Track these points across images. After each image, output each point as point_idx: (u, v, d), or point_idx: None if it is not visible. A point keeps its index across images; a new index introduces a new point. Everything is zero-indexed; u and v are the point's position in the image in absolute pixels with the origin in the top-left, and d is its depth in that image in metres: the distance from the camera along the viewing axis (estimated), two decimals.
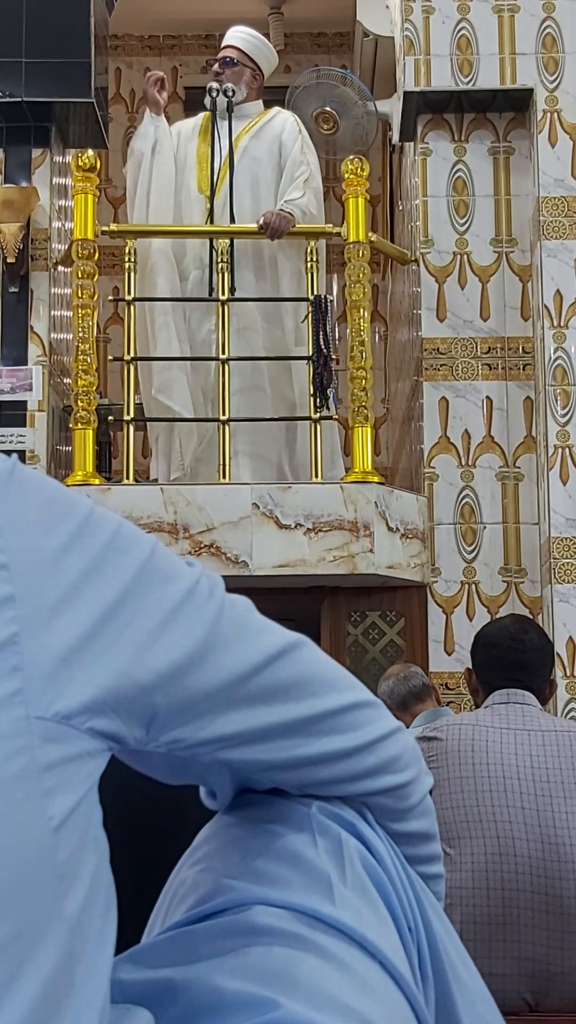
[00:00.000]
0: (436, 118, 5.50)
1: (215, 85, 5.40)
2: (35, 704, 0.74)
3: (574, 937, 2.31)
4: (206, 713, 0.84)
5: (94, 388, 5.08)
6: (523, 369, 5.31)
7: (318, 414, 4.99)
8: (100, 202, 5.43)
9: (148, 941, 0.93)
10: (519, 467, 5.25)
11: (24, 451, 5.24)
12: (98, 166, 5.23)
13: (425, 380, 5.34)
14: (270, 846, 0.93)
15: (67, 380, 5.48)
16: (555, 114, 5.32)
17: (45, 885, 0.73)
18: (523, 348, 5.31)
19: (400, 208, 6.56)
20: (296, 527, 4.82)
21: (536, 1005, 2.32)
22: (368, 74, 6.33)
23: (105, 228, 5.32)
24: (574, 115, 5.32)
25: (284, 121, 5.45)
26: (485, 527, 5.21)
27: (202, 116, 5.55)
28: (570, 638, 4.90)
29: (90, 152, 5.21)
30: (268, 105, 5.60)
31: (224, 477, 4.95)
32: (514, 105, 5.43)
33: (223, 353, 5.05)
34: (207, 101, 5.42)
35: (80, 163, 5.13)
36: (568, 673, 4.89)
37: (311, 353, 5.01)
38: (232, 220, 5.26)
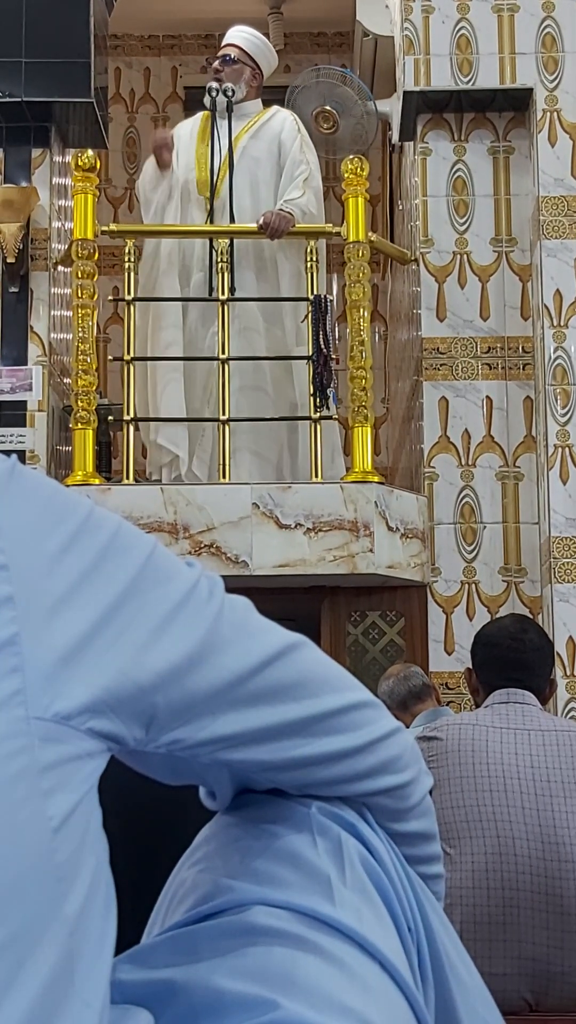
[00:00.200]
0: (436, 118, 5.50)
1: (215, 85, 5.40)
2: (35, 704, 0.74)
3: (574, 937, 2.31)
4: (206, 714, 0.84)
5: (94, 388, 5.08)
6: (523, 369, 5.31)
7: (318, 414, 4.99)
8: (100, 202, 5.44)
9: (148, 941, 0.93)
10: (519, 467, 5.25)
11: (24, 451, 5.24)
12: (98, 166, 5.23)
13: (425, 380, 5.34)
14: (270, 846, 0.92)
15: (67, 380, 5.48)
16: (555, 114, 5.32)
17: (44, 886, 0.73)
18: (523, 348, 5.31)
19: (400, 208, 6.56)
20: (296, 527, 4.82)
21: (536, 1005, 2.32)
22: (368, 74, 6.33)
23: (105, 228, 5.32)
24: (574, 115, 5.32)
25: (283, 120, 5.45)
26: (485, 527, 5.21)
27: (200, 116, 5.55)
28: (570, 638, 4.90)
29: (90, 152, 5.21)
30: (267, 104, 5.60)
31: (224, 477, 4.95)
32: (514, 105, 5.43)
33: (223, 353, 5.05)
34: (206, 100, 5.42)
35: (80, 163, 5.13)
36: (568, 673, 4.89)
37: (311, 353, 5.01)
38: (232, 220, 5.26)
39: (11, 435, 5.26)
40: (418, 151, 5.51)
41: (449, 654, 5.09)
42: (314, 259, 5.18)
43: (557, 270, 5.18)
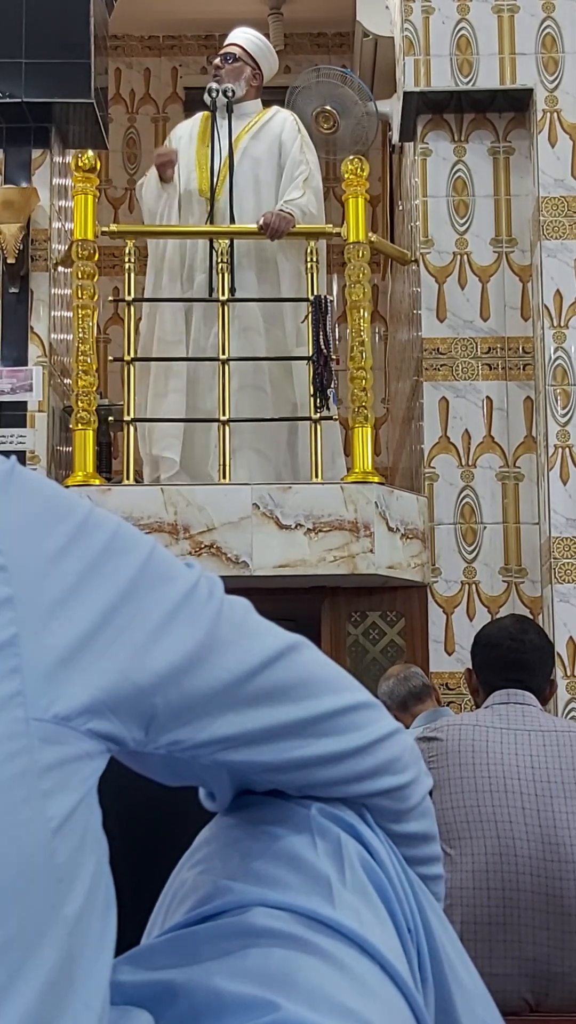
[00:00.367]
0: (436, 118, 5.50)
1: (215, 85, 5.40)
2: (34, 706, 0.74)
3: (574, 937, 2.31)
4: (205, 715, 0.84)
5: (94, 388, 5.08)
6: (523, 369, 5.31)
7: (318, 414, 4.99)
8: (100, 202, 5.44)
9: (148, 943, 0.93)
10: (519, 467, 5.25)
11: (24, 452, 5.24)
12: (98, 167, 5.23)
13: (425, 380, 5.34)
14: (270, 848, 0.92)
15: (67, 381, 5.48)
16: (555, 114, 5.32)
17: (44, 887, 0.72)
18: (523, 348, 5.31)
19: (400, 208, 6.56)
20: (296, 527, 4.82)
21: (536, 1005, 2.32)
22: (368, 74, 6.33)
23: (105, 228, 5.32)
24: (574, 115, 5.32)
25: (283, 120, 5.45)
26: (485, 527, 5.21)
27: (200, 117, 5.55)
28: (570, 638, 4.90)
29: (90, 153, 5.21)
30: (267, 105, 5.60)
31: (224, 477, 4.95)
32: (514, 105, 5.43)
33: (223, 353, 5.05)
34: (206, 99, 5.41)
35: (80, 164, 5.13)
36: (568, 673, 4.89)
37: (311, 353, 5.01)
38: (232, 221, 5.26)
39: (11, 436, 5.26)
40: (418, 152, 5.51)
41: (449, 654, 5.09)
42: (314, 259, 5.18)
43: (557, 270, 5.18)
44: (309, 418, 5.02)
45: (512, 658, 2.59)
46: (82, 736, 0.76)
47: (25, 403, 5.31)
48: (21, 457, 5.11)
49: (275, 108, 5.58)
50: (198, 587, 0.86)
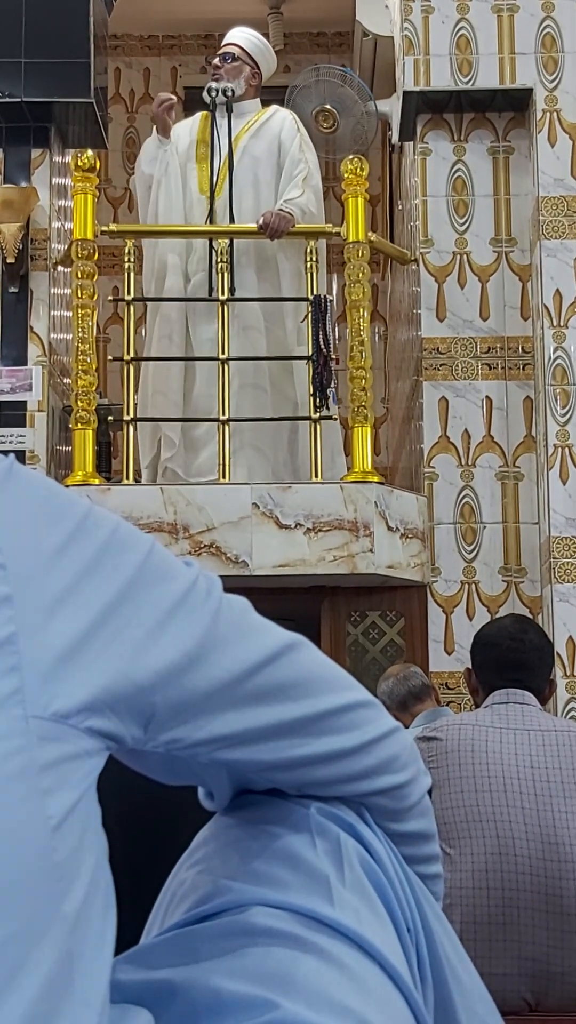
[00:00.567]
0: (435, 118, 5.50)
1: (214, 85, 5.41)
2: (33, 703, 0.74)
3: (574, 937, 2.31)
4: (204, 713, 0.84)
5: (94, 388, 5.08)
6: (523, 369, 5.31)
7: (318, 414, 4.99)
8: (99, 202, 5.44)
9: (147, 942, 0.93)
10: (519, 467, 5.25)
11: (24, 451, 5.24)
12: (97, 166, 5.23)
13: (425, 380, 5.34)
14: (269, 847, 0.92)
15: (67, 380, 5.48)
16: (554, 114, 5.32)
17: (44, 885, 0.72)
18: (523, 348, 5.31)
19: (400, 208, 6.56)
20: (296, 527, 4.82)
21: (536, 1005, 2.32)
22: (367, 74, 6.33)
23: (104, 228, 5.32)
24: (573, 115, 5.32)
25: (283, 120, 5.45)
26: (485, 527, 5.21)
27: (199, 116, 5.55)
28: (570, 638, 4.90)
29: (89, 152, 5.21)
30: (266, 104, 5.60)
31: (224, 477, 4.95)
32: (513, 105, 5.43)
33: (223, 353, 5.05)
34: (206, 99, 5.42)
35: (80, 163, 5.13)
36: (568, 673, 4.89)
37: (311, 353, 5.01)
38: (232, 220, 5.26)
39: (11, 435, 5.26)
40: (418, 151, 5.51)
41: (449, 654, 5.09)
42: (314, 259, 5.18)
43: (557, 270, 5.18)
44: (309, 418, 5.02)
45: (512, 658, 2.59)
46: (81, 734, 0.76)
47: (25, 403, 5.31)
48: (21, 457, 5.11)
49: (274, 107, 5.59)
50: (197, 586, 0.86)
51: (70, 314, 5.30)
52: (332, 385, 5.00)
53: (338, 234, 5.25)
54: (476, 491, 5.24)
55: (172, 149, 5.39)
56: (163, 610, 0.82)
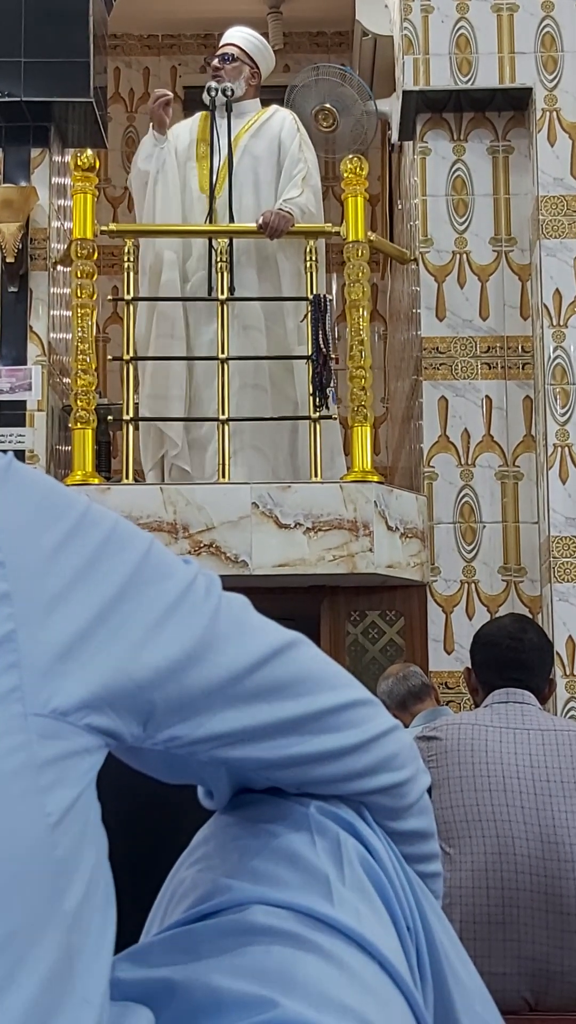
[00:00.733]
0: (435, 117, 5.50)
1: (214, 84, 5.41)
2: (32, 701, 0.74)
3: (574, 936, 2.31)
4: (203, 710, 0.84)
5: (93, 388, 5.08)
6: (522, 368, 5.31)
7: (318, 413, 4.99)
8: (99, 202, 5.44)
9: (147, 940, 0.93)
10: (518, 466, 5.25)
11: (24, 451, 5.24)
12: (97, 166, 5.23)
13: (424, 379, 5.34)
14: (268, 846, 0.92)
15: (66, 380, 5.47)
16: (554, 113, 5.32)
17: (43, 881, 0.72)
18: (522, 347, 5.31)
19: (399, 207, 6.56)
20: (296, 526, 4.82)
21: (536, 1004, 2.32)
22: (367, 73, 6.33)
23: (104, 228, 5.32)
24: (573, 114, 5.32)
25: (283, 119, 5.46)
26: (485, 526, 5.21)
27: (199, 116, 5.55)
28: (570, 637, 4.90)
29: (89, 152, 5.21)
30: (266, 104, 5.60)
31: (224, 477, 4.95)
32: (513, 104, 5.43)
33: (223, 352, 5.05)
34: (206, 99, 5.42)
35: (79, 163, 5.13)
36: (568, 672, 4.89)
37: (310, 352, 5.01)
38: (231, 219, 5.26)
39: (10, 435, 5.26)
40: (417, 151, 5.51)
41: (449, 654, 5.09)
42: (313, 259, 5.18)
43: (556, 269, 5.18)
44: (308, 417, 5.02)
45: (511, 657, 2.59)
46: (80, 731, 0.76)
47: (24, 402, 5.31)
48: (20, 456, 5.11)
49: (274, 107, 5.59)
50: (195, 583, 0.86)
51: (70, 314, 5.30)
52: (332, 385, 5.00)
53: (338, 233, 5.24)
54: (476, 491, 5.24)
55: (169, 147, 5.39)
56: (162, 608, 0.82)
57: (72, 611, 0.77)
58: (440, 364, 5.33)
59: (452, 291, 5.37)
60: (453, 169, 5.46)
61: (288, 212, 5.14)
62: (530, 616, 4.81)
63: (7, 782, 0.71)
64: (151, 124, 5.44)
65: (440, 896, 1.01)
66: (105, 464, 5.62)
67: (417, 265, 5.47)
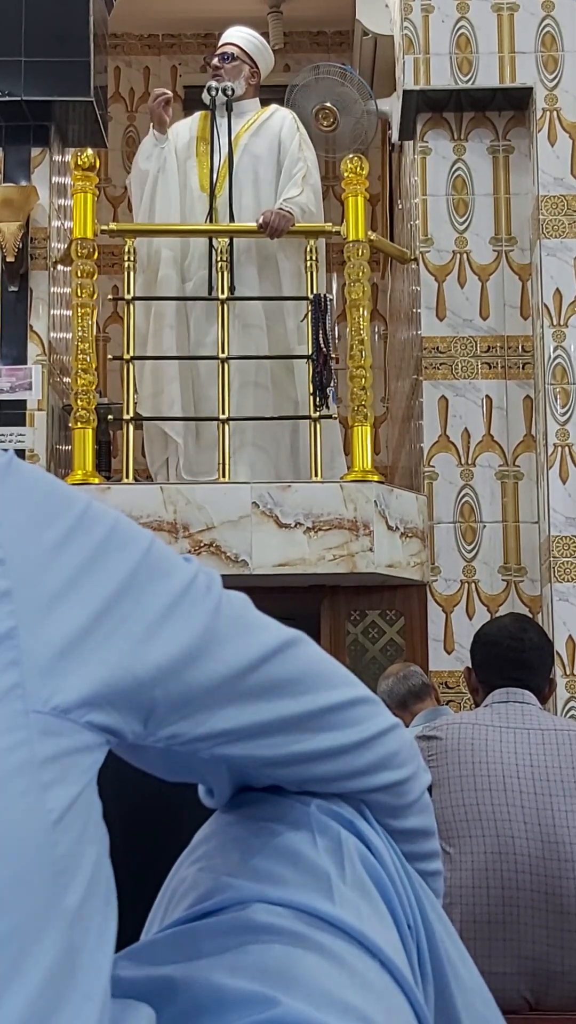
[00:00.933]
0: (435, 117, 5.50)
1: (214, 84, 5.41)
2: (33, 698, 0.73)
3: (574, 936, 2.31)
4: (204, 708, 0.84)
5: (94, 387, 5.08)
6: (523, 368, 5.31)
7: (318, 413, 4.99)
8: (99, 201, 5.44)
9: (148, 939, 0.93)
10: (519, 466, 5.25)
11: (24, 450, 5.24)
12: (97, 165, 5.23)
13: (425, 379, 5.34)
14: (269, 844, 0.92)
15: (67, 379, 5.47)
16: (554, 113, 5.32)
17: (44, 879, 0.72)
18: (523, 347, 5.31)
19: (399, 207, 6.56)
20: (296, 526, 4.82)
21: (536, 1004, 2.32)
22: (367, 73, 6.33)
23: (104, 227, 5.32)
24: (573, 114, 5.32)
25: (283, 119, 5.46)
26: (485, 526, 5.21)
27: (199, 116, 5.55)
28: (570, 637, 4.90)
29: (89, 151, 5.21)
30: (266, 103, 5.60)
31: (224, 476, 4.95)
32: (513, 104, 5.43)
33: (223, 351, 5.05)
34: (206, 98, 5.42)
35: (79, 162, 5.13)
36: (568, 672, 4.89)
37: (311, 352, 5.01)
38: (232, 218, 5.26)
39: (11, 434, 5.26)
40: (418, 150, 5.51)
41: (449, 653, 5.09)
42: (314, 258, 5.18)
43: (557, 269, 5.18)
44: (309, 417, 5.02)
45: (511, 657, 2.59)
46: (81, 728, 0.76)
47: (24, 402, 5.31)
48: (20, 456, 5.08)
49: (274, 106, 5.59)
50: (196, 581, 0.85)
51: (70, 313, 5.30)
52: (332, 384, 5.00)
53: (338, 233, 5.24)
54: (476, 490, 5.23)
55: (170, 146, 5.39)
56: (163, 605, 0.82)
57: (73, 608, 0.77)
58: (440, 364, 5.33)
59: (452, 291, 5.37)
60: (453, 169, 5.46)
61: (288, 211, 5.15)
62: (530, 616, 4.81)
63: (8, 779, 0.71)
64: (151, 123, 5.44)
65: (441, 895, 1.01)
66: (105, 464, 5.62)
67: (417, 265, 5.47)
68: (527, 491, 5.22)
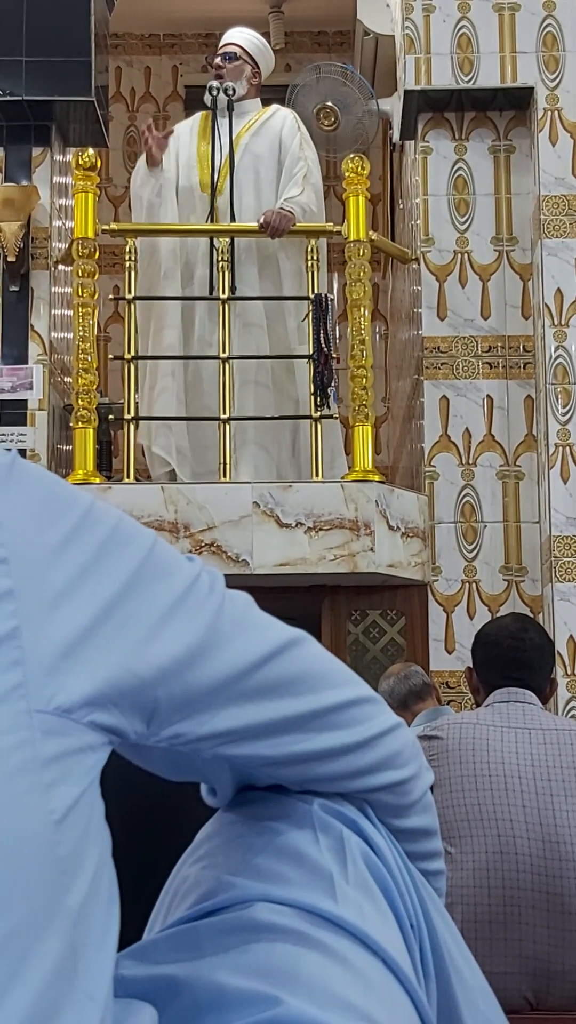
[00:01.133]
0: (437, 116, 5.50)
1: (215, 84, 5.41)
2: (36, 698, 0.73)
3: (575, 935, 2.31)
4: (207, 708, 0.84)
5: (95, 387, 5.08)
6: (524, 368, 5.31)
7: (319, 413, 4.99)
8: (100, 201, 5.43)
9: (150, 938, 0.93)
10: (520, 466, 5.25)
11: (25, 450, 5.24)
12: (98, 165, 5.22)
13: (426, 379, 5.34)
14: (272, 843, 0.92)
15: (68, 379, 5.48)
16: (555, 112, 5.32)
17: (47, 879, 0.72)
18: (524, 347, 5.31)
19: (401, 207, 6.56)
20: (297, 526, 4.82)
21: (537, 1003, 2.32)
22: (368, 73, 6.33)
23: (105, 227, 5.31)
24: (574, 113, 5.32)
25: (284, 119, 5.46)
26: (486, 526, 5.21)
27: (200, 116, 5.55)
28: (571, 636, 4.90)
29: (90, 151, 5.21)
30: (267, 104, 5.60)
31: (225, 476, 4.95)
32: (514, 103, 5.43)
33: (224, 351, 5.05)
34: (207, 99, 5.42)
35: (80, 162, 5.13)
36: (569, 672, 4.89)
37: (312, 352, 5.01)
38: (233, 218, 5.25)
39: (12, 434, 5.26)
40: (419, 150, 5.51)
41: (450, 653, 5.09)
42: (315, 258, 5.18)
43: (558, 269, 5.18)
44: (310, 416, 5.02)
45: (512, 657, 2.59)
46: (84, 728, 0.76)
47: (25, 401, 5.31)
48: (22, 455, 5.08)
49: (275, 106, 5.59)
50: (199, 581, 0.85)
51: (71, 313, 5.30)
52: (333, 384, 4.99)
53: (339, 233, 5.24)
54: (477, 490, 5.24)
55: (165, 177, 5.32)
56: (166, 605, 0.82)
57: (76, 608, 0.77)
58: (441, 363, 5.33)
59: (453, 290, 5.37)
60: (454, 168, 5.46)
61: (289, 211, 5.14)
62: (531, 616, 4.81)
63: (10, 779, 0.71)
64: (144, 156, 5.38)
65: (443, 894, 1.01)
66: (106, 463, 5.62)
67: (418, 264, 5.47)
68: (528, 491, 5.22)
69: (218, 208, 5.30)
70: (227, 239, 5.22)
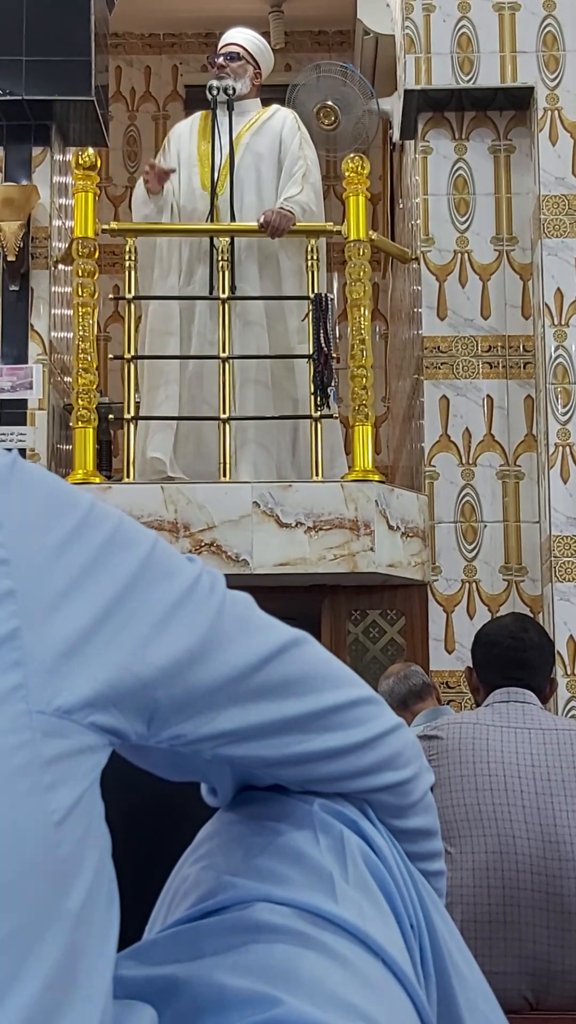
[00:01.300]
0: (437, 116, 5.50)
1: (216, 83, 5.41)
2: (36, 699, 0.73)
3: (575, 935, 2.31)
4: (207, 709, 0.84)
5: (94, 386, 5.08)
6: (524, 367, 5.31)
7: (319, 412, 4.99)
8: (100, 200, 5.43)
9: (150, 938, 0.93)
10: (520, 465, 5.25)
11: (25, 450, 5.24)
12: (98, 164, 5.22)
13: (426, 378, 5.34)
14: (272, 843, 0.92)
15: (67, 378, 5.48)
16: (556, 112, 5.32)
17: (47, 880, 0.72)
18: (524, 346, 5.31)
19: (401, 206, 6.56)
20: (297, 525, 4.82)
21: (537, 1003, 2.32)
22: (369, 72, 6.33)
23: (105, 226, 5.31)
24: (574, 113, 5.32)
25: (284, 118, 5.46)
26: (486, 525, 5.21)
27: (200, 115, 5.55)
28: (571, 636, 4.90)
29: (90, 150, 5.21)
30: (267, 103, 5.60)
31: (225, 475, 4.95)
32: (515, 103, 5.43)
33: (224, 351, 5.05)
34: (208, 98, 5.41)
35: (80, 161, 5.13)
36: (569, 672, 4.89)
37: (311, 351, 5.01)
38: (233, 217, 5.25)
39: (12, 434, 5.26)
40: (419, 150, 5.51)
41: (449, 653, 5.09)
42: (315, 257, 5.18)
43: (558, 269, 5.18)
44: (310, 416, 5.02)
45: (512, 656, 2.59)
46: (84, 729, 0.76)
47: (25, 401, 5.31)
48: (21, 455, 5.08)
49: (275, 106, 5.59)
50: (200, 582, 0.85)
51: (71, 312, 5.30)
52: (333, 384, 4.99)
53: (339, 232, 5.24)
54: (477, 490, 5.24)
55: (164, 201, 5.31)
56: (166, 606, 0.82)
57: (77, 609, 0.77)
58: (441, 363, 5.33)
59: (453, 290, 5.37)
60: (454, 168, 5.46)
61: (289, 211, 5.14)
62: (531, 615, 4.81)
63: (10, 780, 0.71)
64: (144, 180, 5.36)
65: (444, 894, 1.01)
66: (106, 463, 5.62)
67: (418, 264, 5.47)
68: (528, 491, 5.22)
69: (218, 207, 5.30)
70: (227, 238, 5.22)
